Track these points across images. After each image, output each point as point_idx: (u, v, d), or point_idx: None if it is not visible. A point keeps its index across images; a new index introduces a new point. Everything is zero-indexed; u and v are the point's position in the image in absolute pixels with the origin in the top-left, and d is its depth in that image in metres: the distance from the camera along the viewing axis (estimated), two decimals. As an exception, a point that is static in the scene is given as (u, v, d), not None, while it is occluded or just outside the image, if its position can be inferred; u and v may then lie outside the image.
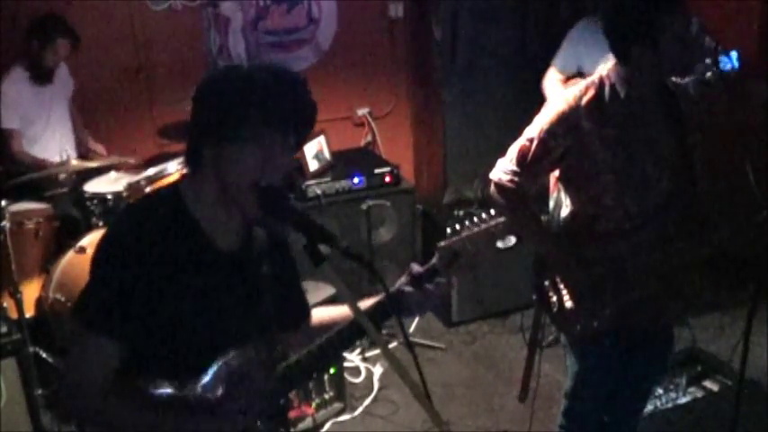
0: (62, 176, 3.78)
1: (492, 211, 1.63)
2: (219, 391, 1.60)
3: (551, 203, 2.56)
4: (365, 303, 1.71)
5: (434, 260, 1.67)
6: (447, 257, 1.65)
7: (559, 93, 3.24)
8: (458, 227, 1.62)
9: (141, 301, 1.49)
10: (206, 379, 1.59)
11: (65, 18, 3.93)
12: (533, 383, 3.41)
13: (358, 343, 4.04)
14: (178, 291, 1.53)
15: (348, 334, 1.69)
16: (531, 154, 2.30)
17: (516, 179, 2.34)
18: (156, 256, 1.50)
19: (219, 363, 1.60)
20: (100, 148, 4.24)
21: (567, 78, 3.64)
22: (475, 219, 1.63)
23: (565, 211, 2.41)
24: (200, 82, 1.56)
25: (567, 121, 2.24)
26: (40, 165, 3.81)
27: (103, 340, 1.50)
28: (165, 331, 1.54)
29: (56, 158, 3.88)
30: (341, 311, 1.81)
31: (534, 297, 2.59)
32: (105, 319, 1.50)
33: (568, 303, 2.41)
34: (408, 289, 1.69)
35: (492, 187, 2.42)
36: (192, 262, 1.55)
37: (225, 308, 1.61)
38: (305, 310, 1.87)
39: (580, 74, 3.53)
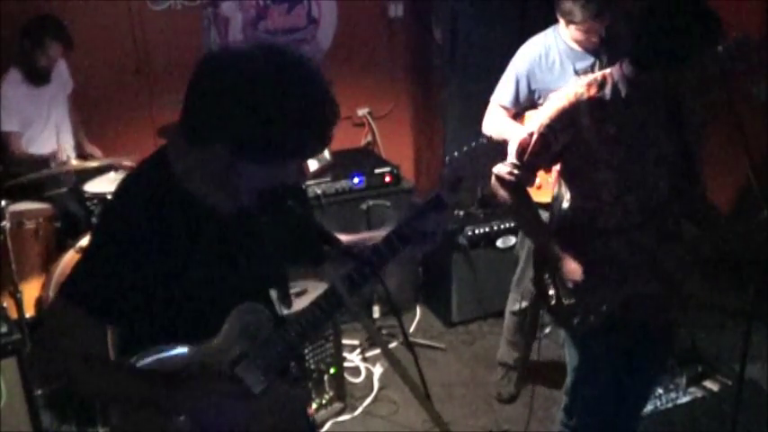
0: (62, 170, 3.74)
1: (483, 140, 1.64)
2: (236, 350, 1.60)
3: (552, 198, 2.57)
4: (373, 235, 1.69)
5: (438, 190, 1.64)
6: (451, 181, 1.61)
7: (518, 128, 3.16)
8: (456, 153, 1.61)
9: (138, 280, 1.47)
10: (219, 339, 1.59)
11: (57, 19, 3.91)
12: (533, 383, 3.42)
13: (358, 342, 4.05)
14: (180, 260, 1.50)
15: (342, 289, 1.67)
16: (530, 148, 2.31)
17: (516, 172, 2.35)
18: (151, 231, 1.46)
19: (231, 321, 1.59)
20: (96, 151, 4.23)
21: (516, 114, 3.32)
22: (473, 143, 1.63)
23: (565, 204, 2.41)
24: (215, 64, 1.45)
25: (567, 116, 2.25)
26: (41, 163, 3.81)
27: (80, 310, 1.48)
28: (170, 301, 1.52)
29: (53, 159, 3.88)
30: (371, 234, 1.79)
31: (531, 293, 2.59)
32: (88, 292, 1.48)
33: (567, 298, 2.42)
34: (413, 222, 1.65)
35: (492, 181, 2.43)
36: (189, 230, 1.51)
37: (231, 268, 1.59)
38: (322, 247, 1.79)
39: (532, 105, 3.26)
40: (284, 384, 1.68)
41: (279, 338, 1.65)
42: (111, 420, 1.66)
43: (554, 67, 3.17)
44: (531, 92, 3.22)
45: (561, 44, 3.17)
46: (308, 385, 1.55)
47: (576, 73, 3.10)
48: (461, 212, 4.33)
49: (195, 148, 1.48)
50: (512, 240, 4.22)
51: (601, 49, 2.47)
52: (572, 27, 3.09)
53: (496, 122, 3.32)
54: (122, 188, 1.57)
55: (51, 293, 3.52)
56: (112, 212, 1.56)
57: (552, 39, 3.21)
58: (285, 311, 1.75)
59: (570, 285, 2.36)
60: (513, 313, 3.59)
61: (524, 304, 3.49)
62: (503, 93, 3.32)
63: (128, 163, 4.02)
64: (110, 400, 1.62)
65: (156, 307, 1.52)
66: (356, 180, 4.25)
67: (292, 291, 3.44)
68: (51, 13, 3.96)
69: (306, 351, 3.36)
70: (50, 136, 4.05)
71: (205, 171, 1.50)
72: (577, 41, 3.12)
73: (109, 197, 3.68)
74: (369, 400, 3.68)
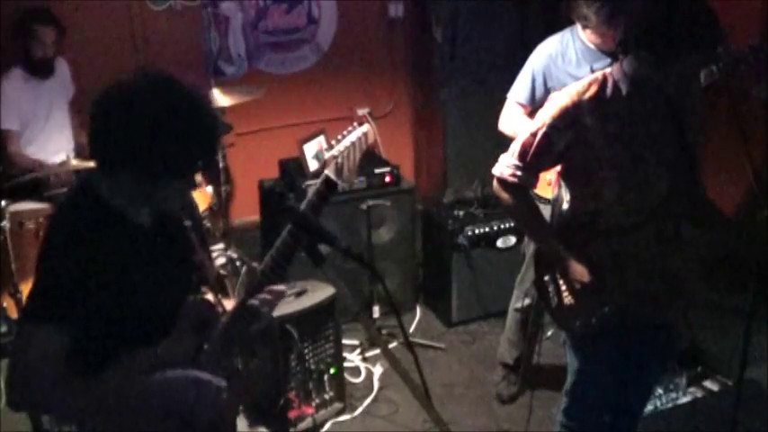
0: (62, 170, 3.75)
1: (355, 125, 1.86)
2: (192, 346, 1.73)
3: (552, 199, 2.57)
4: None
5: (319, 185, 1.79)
6: (335, 168, 1.80)
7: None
8: (332, 143, 1.84)
9: (88, 290, 1.58)
10: (173, 338, 1.72)
11: (44, 8, 3.93)
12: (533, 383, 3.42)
13: (358, 342, 4.05)
14: (119, 270, 1.63)
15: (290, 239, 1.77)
16: (533, 148, 2.31)
17: (519, 174, 2.35)
18: (84, 246, 1.59)
19: (180, 320, 1.73)
20: None
21: (532, 111, 3.24)
22: (339, 136, 1.84)
23: (565, 206, 2.41)
24: (104, 102, 1.60)
25: (569, 115, 2.25)
26: (36, 166, 3.82)
27: (45, 326, 1.57)
28: (116, 310, 1.64)
29: (53, 159, 3.88)
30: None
31: (534, 292, 2.59)
32: (45, 308, 1.59)
33: (568, 299, 2.42)
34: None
35: (494, 182, 2.42)
36: (122, 242, 1.65)
37: (165, 274, 1.74)
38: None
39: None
40: (247, 363, 1.86)
41: (228, 326, 1.77)
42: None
43: (571, 66, 3.17)
44: (547, 90, 3.23)
45: (578, 43, 3.18)
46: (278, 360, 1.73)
47: (593, 72, 3.10)
48: (461, 212, 4.34)
49: (108, 173, 1.66)
50: (512, 240, 4.22)
51: (617, 50, 2.47)
52: (587, 31, 3.11)
53: (513, 120, 3.32)
54: (58, 212, 1.76)
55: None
56: (54, 233, 1.68)
57: (570, 38, 3.22)
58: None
59: (578, 287, 2.35)
60: (516, 310, 3.60)
61: (527, 301, 3.50)
62: (519, 90, 3.33)
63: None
64: (89, 410, 1.66)
65: (109, 315, 1.63)
66: (356, 180, 4.25)
67: (292, 291, 3.47)
68: (33, 6, 3.96)
69: (306, 351, 3.37)
70: (49, 137, 4.05)
71: (122, 189, 1.66)
72: (594, 44, 3.14)
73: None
74: (369, 400, 3.68)
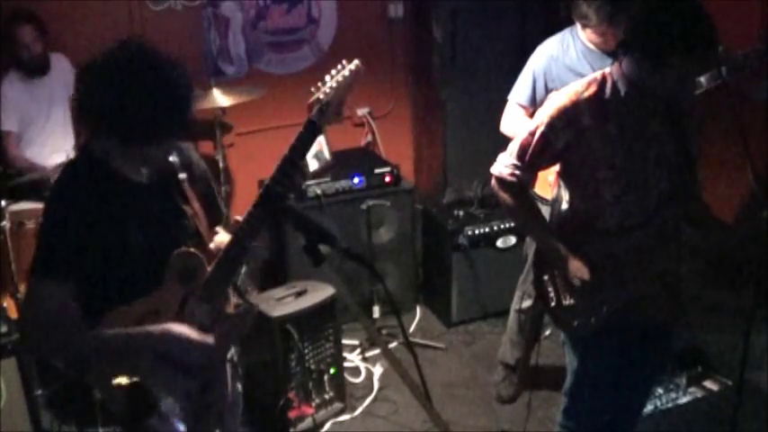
0: (60, 163, 3.75)
1: (343, 63, 1.96)
2: (180, 293, 1.87)
3: (552, 199, 2.56)
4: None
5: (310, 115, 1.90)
6: (318, 109, 1.90)
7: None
8: (318, 85, 1.93)
9: (82, 243, 1.75)
10: (163, 287, 1.87)
11: (22, 7, 3.91)
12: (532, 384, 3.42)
13: (358, 342, 4.06)
14: (116, 224, 1.79)
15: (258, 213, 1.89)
16: (531, 148, 2.31)
17: (517, 173, 2.35)
18: (87, 203, 1.76)
19: (168, 270, 1.87)
20: None
21: (534, 112, 3.21)
22: (332, 72, 1.94)
23: (564, 206, 2.41)
24: (82, 72, 1.76)
25: (568, 115, 2.25)
26: (35, 169, 3.81)
27: (51, 282, 1.74)
28: (113, 261, 1.80)
29: (53, 158, 3.88)
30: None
31: (533, 292, 2.59)
32: (50, 265, 1.75)
33: (566, 299, 2.42)
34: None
35: (493, 182, 2.43)
36: (118, 197, 1.81)
37: (159, 226, 1.89)
38: (217, 215, 2.16)
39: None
40: (237, 305, 1.98)
41: (215, 273, 1.90)
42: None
43: (572, 66, 3.16)
44: (547, 90, 3.21)
45: (579, 44, 3.18)
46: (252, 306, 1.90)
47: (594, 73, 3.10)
48: (461, 212, 4.34)
49: (99, 137, 1.80)
50: (512, 240, 4.22)
51: (618, 50, 2.47)
52: (588, 30, 3.10)
53: (514, 121, 3.31)
54: (61, 174, 1.87)
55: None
56: (56, 195, 1.83)
57: (570, 38, 3.21)
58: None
59: (578, 284, 2.35)
60: (518, 311, 3.60)
61: (529, 302, 3.50)
62: (520, 91, 3.32)
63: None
64: (94, 356, 1.82)
65: (107, 266, 1.79)
66: (356, 180, 4.25)
67: (293, 290, 3.48)
68: (49, 13, 3.96)
69: (306, 351, 3.37)
70: (50, 136, 4.05)
71: (114, 151, 1.80)
72: (594, 44, 3.13)
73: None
74: (369, 400, 3.69)
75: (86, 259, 1.75)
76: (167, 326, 1.81)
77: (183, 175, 1.96)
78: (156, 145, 1.79)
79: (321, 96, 1.88)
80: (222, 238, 2.09)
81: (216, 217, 2.15)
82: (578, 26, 3.17)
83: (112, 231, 1.79)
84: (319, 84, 1.91)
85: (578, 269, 2.33)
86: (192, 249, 1.91)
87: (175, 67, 1.75)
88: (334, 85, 1.89)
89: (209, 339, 1.84)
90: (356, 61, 1.95)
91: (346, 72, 1.91)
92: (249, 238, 1.89)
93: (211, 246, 2.03)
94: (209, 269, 1.90)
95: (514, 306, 3.63)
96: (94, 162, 1.82)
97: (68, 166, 1.90)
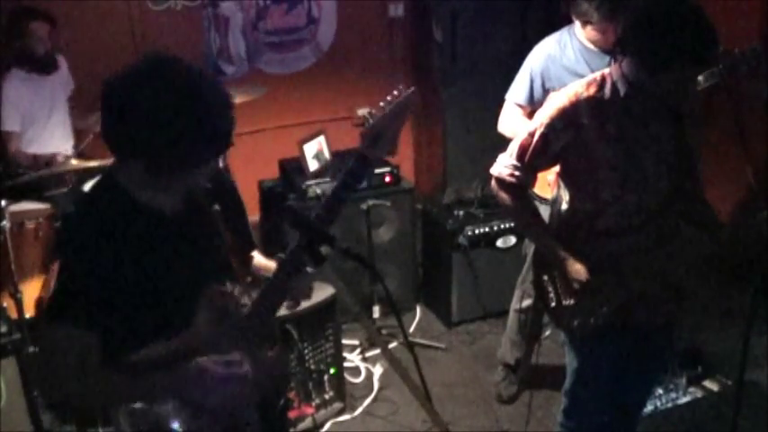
0: (62, 170, 3.75)
1: (400, 88, 1.71)
2: (212, 334, 1.68)
3: (551, 199, 2.56)
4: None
5: (360, 147, 1.72)
6: (370, 140, 1.70)
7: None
8: (372, 111, 1.70)
9: (110, 284, 1.56)
10: (194, 327, 1.68)
11: (31, 5, 3.92)
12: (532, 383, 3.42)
13: (358, 342, 4.06)
14: (141, 261, 1.60)
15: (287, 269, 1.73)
16: (531, 148, 2.31)
17: (517, 174, 2.35)
18: (109, 241, 1.56)
19: (201, 308, 1.68)
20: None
21: (532, 112, 3.22)
22: (387, 98, 1.71)
23: (564, 206, 2.41)
24: (117, 88, 1.58)
25: (568, 115, 2.25)
26: (38, 163, 3.81)
27: (70, 327, 1.56)
28: (138, 302, 1.60)
29: (54, 151, 3.89)
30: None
31: (533, 291, 2.59)
32: (70, 305, 1.56)
33: (566, 300, 2.42)
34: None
35: (493, 182, 2.43)
36: (143, 232, 1.62)
37: (187, 264, 1.70)
38: (251, 244, 2.04)
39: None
40: (263, 353, 1.79)
41: (250, 314, 1.74)
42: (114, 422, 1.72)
43: (569, 66, 3.16)
44: (545, 90, 3.21)
45: (577, 43, 3.17)
46: (287, 353, 1.74)
47: (592, 72, 3.10)
48: (461, 212, 4.34)
49: (123, 162, 1.63)
50: (512, 240, 4.22)
51: (616, 49, 2.47)
52: (588, 27, 3.09)
53: (512, 121, 3.31)
54: (79, 204, 1.72)
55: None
56: (74, 229, 1.64)
57: (568, 38, 3.20)
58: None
59: (576, 286, 2.36)
60: (517, 311, 3.60)
61: (528, 302, 3.50)
62: (517, 91, 3.31)
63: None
64: (112, 403, 1.70)
65: (132, 307, 1.60)
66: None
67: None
68: (22, 5, 3.96)
69: (306, 351, 3.37)
70: (51, 135, 4.05)
71: (140, 179, 1.62)
72: (593, 41, 3.12)
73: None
74: (369, 400, 3.68)
75: (110, 301, 1.57)
76: (193, 368, 1.63)
77: (216, 207, 1.81)
78: (192, 170, 1.61)
79: (374, 125, 1.68)
80: (262, 261, 1.97)
81: (248, 249, 2.03)
82: (576, 26, 3.17)
83: (137, 270, 1.60)
84: (372, 110, 1.72)
85: (576, 271, 2.33)
86: (224, 287, 1.75)
87: (211, 81, 1.60)
88: (388, 112, 1.68)
89: (240, 384, 1.66)
90: (412, 88, 1.75)
91: (401, 98, 1.70)
92: (291, 278, 1.73)
93: (253, 268, 1.92)
94: (244, 305, 1.75)
95: (514, 305, 3.63)
96: (117, 192, 1.64)
97: (88, 195, 1.75)
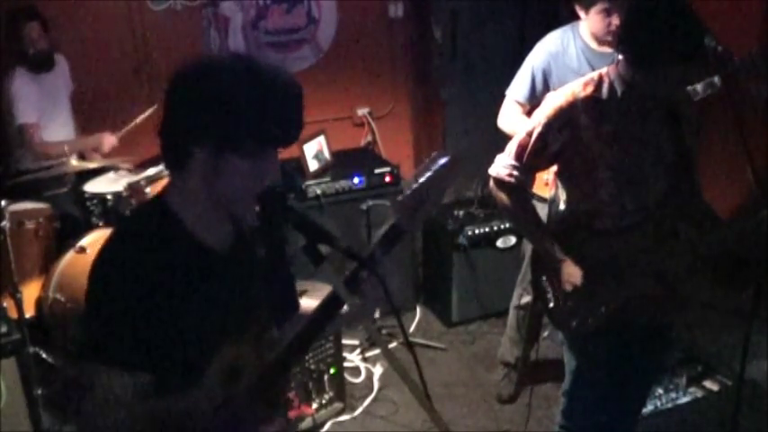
0: (62, 170, 3.75)
1: (435, 155, 1.50)
2: (221, 395, 1.56)
3: (549, 199, 2.57)
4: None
5: (396, 217, 1.53)
6: (409, 211, 1.52)
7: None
8: (413, 183, 1.50)
9: (151, 323, 1.44)
10: (206, 382, 1.55)
11: (30, 5, 3.92)
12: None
13: (358, 342, 4.06)
14: (184, 301, 1.49)
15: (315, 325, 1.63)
16: (529, 148, 2.32)
17: (515, 174, 2.35)
18: (155, 275, 1.45)
19: (216, 364, 1.55)
20: (96, 155, 4.22)
21: (531, 109, 3.15)
22: (426, 160, 1.51)
23: (561, 206, 2.41)
24: (190, 71, 1.46)
25: (565, 115, 2.25)
26: (64, 150, 3.78)
27: (109, 364, 1.45)
28: (180, 341, 1.50)
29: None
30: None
31: (531, 293, 2.59)
32: (109, 345, 1.46)
33: (564, 300, 2.41)
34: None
35: (491, 183, 2.43)
36: (190, 269, 1.51)
37: (229, 306, 1.59)
38: (295, 301, 1.86)
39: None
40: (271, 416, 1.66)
41: (263, 379, 1.60)
42: None
43: (571, 64, 3.16)
44: (546, 87, 3.21)
45: (579, 42, 3.17)
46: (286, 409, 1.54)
47: (594, 70, 3.10)
48: (461, 212, 4.34)
49: (180, 172, 1.50)
50: (512, 240, 4.22)
51: (618, 48, 2.48)
52: (592, 14, 3.05)
53: (511, 118, 3.30)
54: (124, 232, 1.56)
55: (51, 294, 3.52)
56: (115, 258, 1.49)
57: (570, 36, 3.20)
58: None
59: (569, 288, 2.36)
60: (517, 308, 3.60)
61: (527, 299, 3.50)
62: (518, 88, 3.31)
63: (126, 165, 4.02)
64: None
65: (170, 348, 1.50)
66: (356, 180, 4.25)
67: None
68: (49, 13, 3.96)
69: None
70: (53, 134, 4.04)
71: (192, 198, 1.51)
72: (597, 33, 3.09)
73: (108, 197, 3.72)
74: (369, 400, 3.68)
75: (150, 339, 1.45)
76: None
77: (261, 252, 1.68)
78: (260, 155, 1.48)
79: (413, 194, 1.47)
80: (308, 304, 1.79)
81: (291, 309, 1.84)
82: (579, 25, 3.17)
83: (182, 306, 1.48)
84: (408, 180, 1.50)
85: (571, 274, 2.33)
86: (248, 344, 1.61)
87: (284, 69, 1.53)
88: (427, 180, 1.47)
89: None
90: (453, 153, 1.50)
91: (445, 163, 1.48)
92: (313, 340, 1.62)
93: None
94: (261, 366, 1.60)
95: (513, 303, 3.63)
96: (168, 219, 1.51)
97: (131, 222, 1.61)
